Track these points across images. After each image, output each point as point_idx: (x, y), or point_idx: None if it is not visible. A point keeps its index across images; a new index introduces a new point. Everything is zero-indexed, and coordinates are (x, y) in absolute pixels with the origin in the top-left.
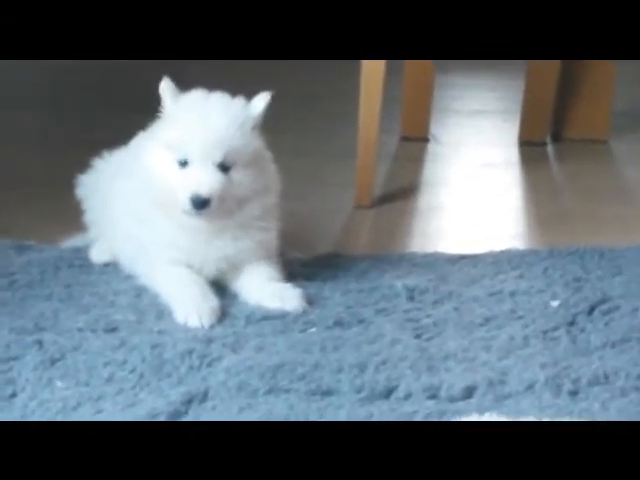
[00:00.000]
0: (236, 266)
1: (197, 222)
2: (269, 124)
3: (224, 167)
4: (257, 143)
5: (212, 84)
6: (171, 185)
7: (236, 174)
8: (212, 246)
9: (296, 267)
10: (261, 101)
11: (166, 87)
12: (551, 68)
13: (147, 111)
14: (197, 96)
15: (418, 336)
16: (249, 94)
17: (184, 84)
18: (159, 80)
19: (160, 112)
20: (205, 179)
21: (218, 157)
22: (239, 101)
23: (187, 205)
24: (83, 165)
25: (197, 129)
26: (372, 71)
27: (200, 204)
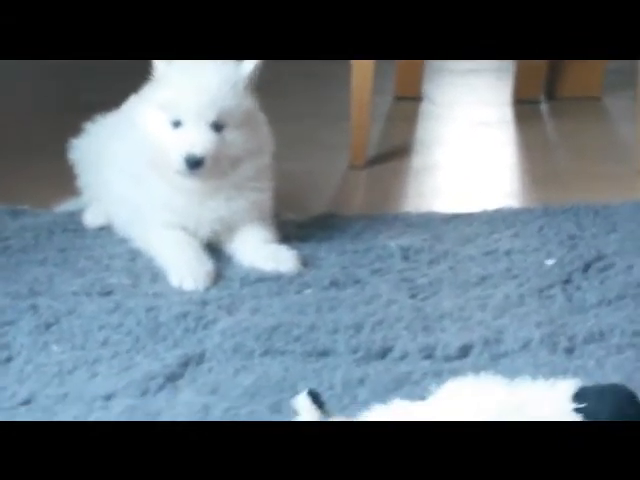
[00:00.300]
0: (230, 227)
1: (191, 182)
2: (263, 87)
3: (217, 127)
4: (249, 103)
5: None
6: (165, 145)
7: (229, 134)
8: (206, 207)
9: (291, 228)
10: (251, 62)
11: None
12: None
13: (145, 75)
14: (191, 61)
15: (413, 296)
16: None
17: None
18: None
19: (152, 74)
20: (198, 139)
21: (211, 117)
22: (230, 63)
23: (181, 165)
24: (79, 129)
25: (190, 89)
26: None
27: (194, 164)
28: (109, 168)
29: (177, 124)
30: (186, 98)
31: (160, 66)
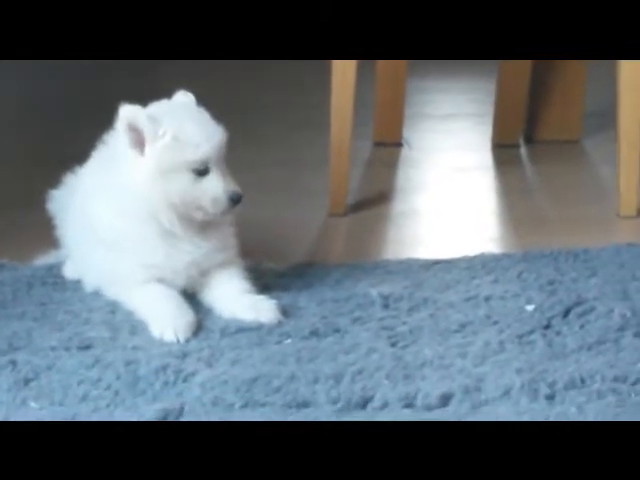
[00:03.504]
0: (204, 271)
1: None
2: (241, 134)
3: None
4: None
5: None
6: (204, 194)
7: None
8: (183, 252)
9: (271, 278)
10: (187, 96)
11: (137, 113)
12: (522, 70)
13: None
14: (166, 109)
15: (394, 344)
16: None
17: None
18: (122, 92)
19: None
20: (228, 177)
21: (225, 154)
22: (188, 100)
23: (226, 205)
24: (53, 181)
25: (209, 135)
26: (343, 76)
27: (239, 199)
28: (79, 234)
29: (204, 171)
30: (210, 145)
31: (150, 127)
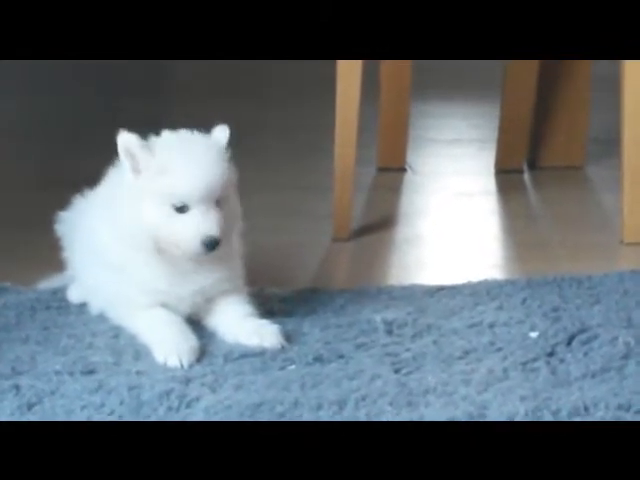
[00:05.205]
0: (209, 299)
1: (189, 263)
2: (245, 157)
3: (218, 203)
4: (233, 174)
5: (183, 120)
6: (176, 232)
7: (226, 208)
8: (189, 280)
9: (274, 303)
10: (222, 132)
11: (131, 141)
12: (526, 96)
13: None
14: (173, 139)
15: (397, 371)
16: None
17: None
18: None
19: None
20: (212, 219)
21: (217, 196)
22: (208, 136)
23: (198, 249)
24: (57, 204)
25: (195, 173)
26: (347, 100)
27: (213, 245)
28: (85, 256)
29: (183, 209)
30: (193, 183)
31: (143, 156)
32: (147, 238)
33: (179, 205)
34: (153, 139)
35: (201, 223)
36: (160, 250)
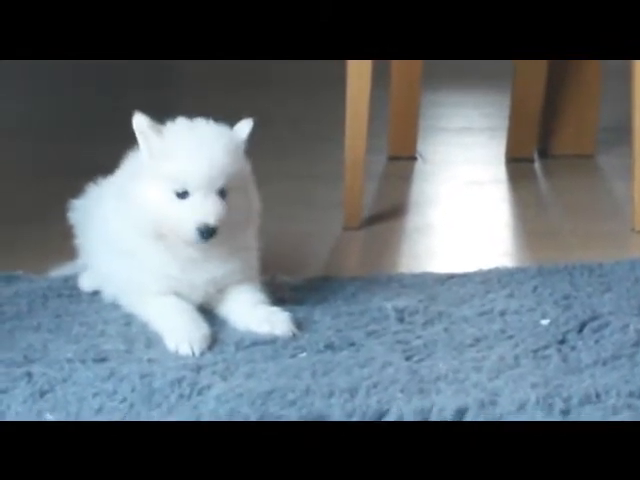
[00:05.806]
0: (223, 288)
1: (195, 251)
2: (258, 148)
3: (222, 193)
4: (248, 167)
5: (199, 111)
6: (173, 217)
7: (233, 199)
8: (201, 270)
9: (285, 291)
10: (245, 126)
11: (143, 122)
12: (536, 84)
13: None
14: (184, 125)
15: (408, 358)
16: (235, 119)
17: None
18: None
19: (136, 146)
20: (210, 208)
21: (218, 185)
22: (225, 127)
23: (194, 236)
24: (69, 193)
25: (197, 159)
26: (358, 90)
27: (208, 233)
28: (98, 244)
29: (184, 195)
30: (194, 169)
31: (152, 138)
32: (148, 222)
33: (180, 191)
34: (168, 124)
35: (198, 210)
36: (162, 236)
